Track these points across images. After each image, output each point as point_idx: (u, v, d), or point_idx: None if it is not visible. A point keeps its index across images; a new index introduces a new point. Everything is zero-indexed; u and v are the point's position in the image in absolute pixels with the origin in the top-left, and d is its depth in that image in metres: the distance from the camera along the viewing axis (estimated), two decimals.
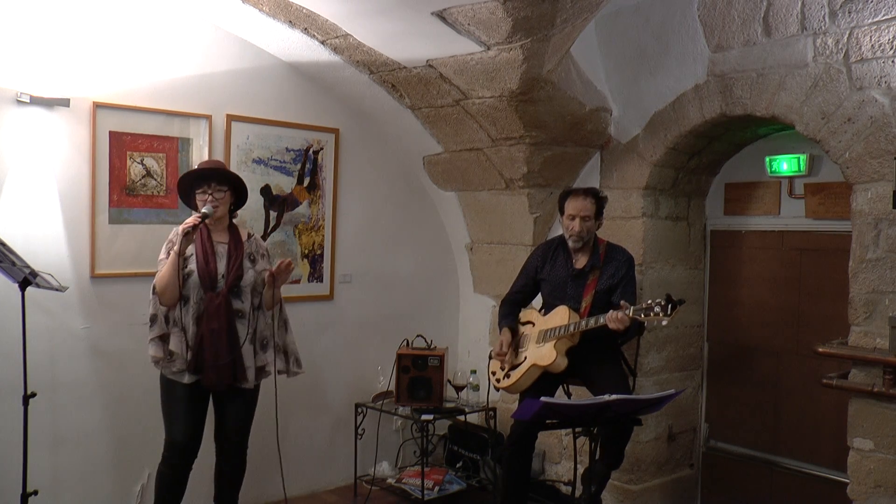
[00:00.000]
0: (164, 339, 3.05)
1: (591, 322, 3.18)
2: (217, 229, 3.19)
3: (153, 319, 3.07)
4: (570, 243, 3.43)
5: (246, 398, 3.24)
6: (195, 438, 3.18)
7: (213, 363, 3.04)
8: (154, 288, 3.06)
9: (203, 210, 3.07)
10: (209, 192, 3.10)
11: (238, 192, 3.24)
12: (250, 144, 3.95)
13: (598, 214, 3.42)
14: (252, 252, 3.25)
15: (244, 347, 3.13)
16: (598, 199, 3.42)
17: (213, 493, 3.39)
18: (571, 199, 3.41)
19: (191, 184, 3.15)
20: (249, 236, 3.30)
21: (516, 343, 3.51)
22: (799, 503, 3.88)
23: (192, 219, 3.01)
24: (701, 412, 4.36)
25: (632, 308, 3.02)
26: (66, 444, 3.47)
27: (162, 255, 3.12)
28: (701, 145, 3.93)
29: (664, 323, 2.97)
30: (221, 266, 3.12)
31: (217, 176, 3.14)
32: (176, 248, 3.01)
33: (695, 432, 4.35)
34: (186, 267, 3.07)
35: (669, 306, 2.92)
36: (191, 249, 3.10)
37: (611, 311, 3.09)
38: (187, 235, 2.97)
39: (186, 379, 3.08)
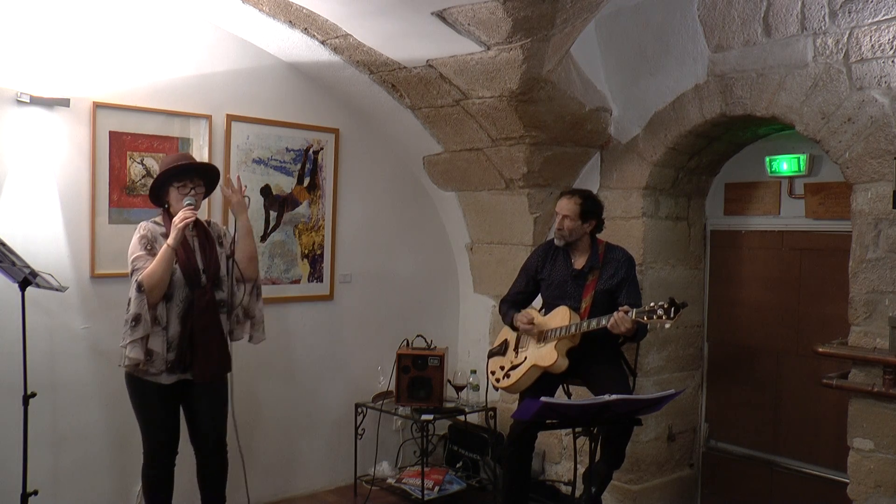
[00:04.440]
0: (144, 340, 2.93)
1: (594, 324, 3.18)
2: None
3: (137, 319, 2.91)
4: (556, 241, 3.45)
5: (215, 395, 3.18)
6: (176, 437, 3.18)
7: (205, 360, 3.02)
8: (140, 286, 2.91)
9: (187, 202, 3.02)
10: (191, 185, 3.07)
11: (209, 184, 3.21)
12: (250, 144, 3.95)
13: (585, 215, 3.40)
14: (219, 236, 3.24)
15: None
16: (585, 201, 3.41)
17: (199, 496, 3.29)
18: (560, 198, 3.48)
19: (167, 179, 3.08)
20: (208, 223, 3.26)
21: (516, 343, 3.51)
22: (799, 503, 3.88)
23: (189, 212, 2.97)
24: (701, 412, 4.36)
25: (634, 311, 3.02)
26: (65, 444, 3.47)
27: (140, 252, 2.99)
28: (701, 145, 3.93)
29: (667, 326, 2.97)
30: (199, 260, 3.10)
31: (199, 170, 3.12)
32: (170, 240, 2.93)
33: (695, 432, 4.35)
34: None
35: (672, 309, 2.92)
36: None
37: (614, 314, 3.09)
38: (187, 227, 2.96)
39: (165, 379, 3.02)
